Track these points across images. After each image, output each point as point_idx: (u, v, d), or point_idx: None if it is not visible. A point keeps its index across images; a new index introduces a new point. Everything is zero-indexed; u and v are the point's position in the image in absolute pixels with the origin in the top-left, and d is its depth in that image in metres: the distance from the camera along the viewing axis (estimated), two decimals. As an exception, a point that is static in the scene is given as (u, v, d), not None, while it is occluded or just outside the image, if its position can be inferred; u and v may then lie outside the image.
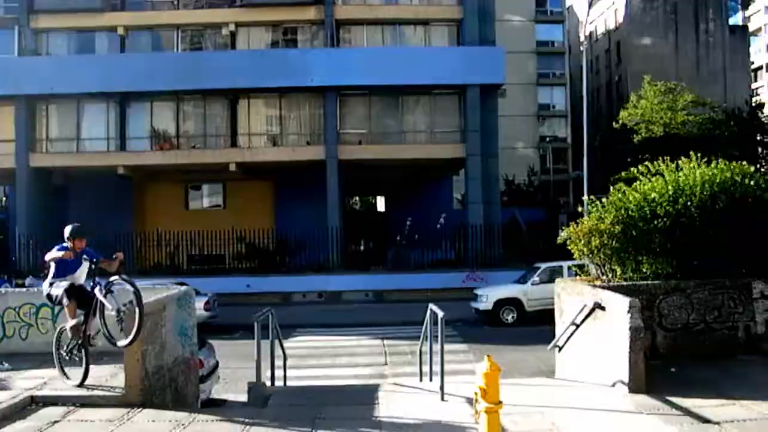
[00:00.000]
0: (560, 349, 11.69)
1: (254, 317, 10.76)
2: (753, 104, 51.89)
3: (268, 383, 11.67)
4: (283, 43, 39.98)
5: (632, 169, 12.74)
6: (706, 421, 8.04)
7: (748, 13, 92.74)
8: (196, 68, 36.07)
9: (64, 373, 9.63)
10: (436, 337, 10.43)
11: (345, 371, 17.10)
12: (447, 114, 38.75)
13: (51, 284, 9.61)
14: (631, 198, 11.76)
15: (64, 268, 9.59)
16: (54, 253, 9.44)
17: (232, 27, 38.74)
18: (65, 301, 9.43)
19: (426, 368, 11.79)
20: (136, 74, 35.31)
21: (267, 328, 11.71)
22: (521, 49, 66.13)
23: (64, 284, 9.49)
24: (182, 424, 8.27)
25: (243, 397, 10.97)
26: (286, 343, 15.58)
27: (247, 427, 8.29)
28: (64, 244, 9.58)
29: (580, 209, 13.48)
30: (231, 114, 38.55)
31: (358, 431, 8.20)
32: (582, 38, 39.81)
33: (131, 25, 38.97)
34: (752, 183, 11.51)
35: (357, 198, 53.61)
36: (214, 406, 11.04)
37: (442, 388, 9.85)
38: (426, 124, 38.82)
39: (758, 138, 46.06)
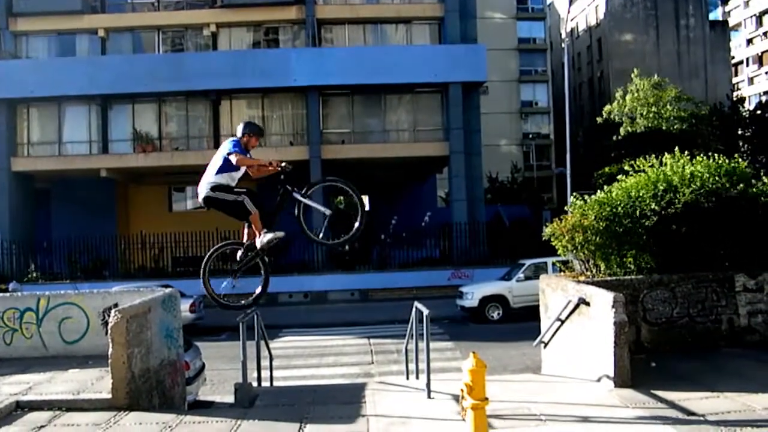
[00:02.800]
0: (546, 345, 11.74)
1: (239, 318, 10.75)
2: (734, 99, 52.22)
3: (255, 384, 11.66)
4: (264, 44, 39.90)
5: (615, 165, 12.82)
6: (691, 413, 8.09)
7: (727, 8, 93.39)
8: (177, 70, 35.92)
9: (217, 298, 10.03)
10: (422, 335, 10.45)
11: (332, 371, 17.11)
12: (430, 112, 38.78)
13: (214, 185, 9.40)
14: (615, 194, 11.81)
15: (230, 167, 9.38)
16: (234, 151, 9.21)
17: (213, 28, 38.63)
18: (251, 209, 9.39)
19: (412, 366, 11.82)
20: (117, 76, 35.13)
21: (253, 329, 11.70)
22: (503, 46, 66.31)
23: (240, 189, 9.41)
24: (169, 426, 8.26)
25: (230, 399, 10.96)
26: (273, 344, 15.59)
27: (234, 427, 8.28)
28: (235, 139, 9.44)
29: (565, 206, 13.51)
30: (213, 115, 38.37)
31: (345, 429, 8.21)
32: (563, 35, 39.98)
33: (112, 27, 38.76)
34: (738, 183, 11.61)
35: (341, 197, 53.50)
36: (200, 407, 11.02)
37: (428, 385, 9.87)
38: (409, 123, 38.83)
39: (739, 132, 46.34)
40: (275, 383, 13.01)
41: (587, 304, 10.14)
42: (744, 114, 49.21)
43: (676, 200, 11.11)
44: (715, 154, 12.27)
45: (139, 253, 36.39)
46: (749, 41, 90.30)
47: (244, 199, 9.37)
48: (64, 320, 11.51)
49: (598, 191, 12.24)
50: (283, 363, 16.80)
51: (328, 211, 9.66)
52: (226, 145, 9.38)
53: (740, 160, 12.32)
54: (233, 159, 9.17)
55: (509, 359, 16.39)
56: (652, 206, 11.26)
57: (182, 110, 38.81)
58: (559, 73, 63.04)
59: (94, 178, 36.42)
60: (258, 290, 9.96)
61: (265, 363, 12.56)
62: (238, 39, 39.54)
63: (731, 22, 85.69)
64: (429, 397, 9.76)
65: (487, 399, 7.17)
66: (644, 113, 48.87)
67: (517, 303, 24.47)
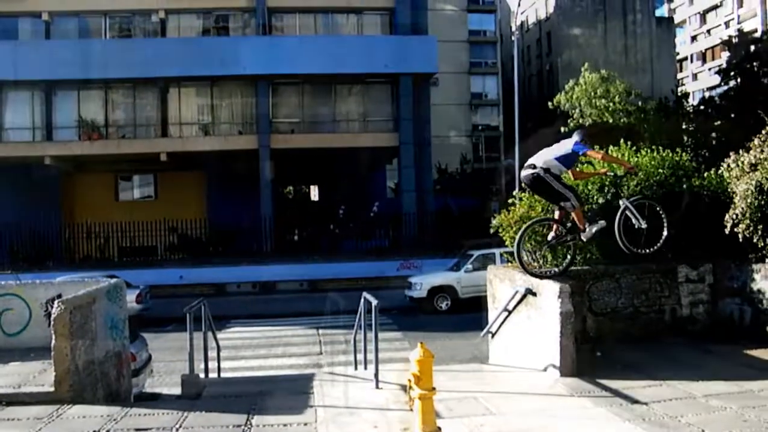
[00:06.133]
0: (493, 335, 11.81)
1: (186, 309, 10.63)
2: (678, 94, 53.06)
3: (202, 375, 11.56)
4: (214, 31, 39.55)
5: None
6: (635, 401, 8.23)
7: (673, 5, 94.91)
8: (124, 56, 35.39)
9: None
10: (371, 325, 10.46)
11: (280, 361, 17.05)
12: (380, 103, 38.82)
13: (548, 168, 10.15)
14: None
15: (567, 164, 10.30)
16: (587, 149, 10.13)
17: (161, 14, 38.11)
18: (576, 204, 10.22)
19: (361, 356, 11.81)
20: (62, 62, 34.47)
21: (200, 320, 11.58)
22: (454, 38, 66.50)
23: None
24: (114, 419, 8.13)
25: (177, 390, 10.84)
26: (221, 335, 15.46)
27: (181, 419, 8.20)
28: (578, 141, 10.21)
29: (513, 198, 13.62)
30: (161, 103, 37.94)
31: (294, 420, 8.18)
32: (513, 28, 40.24)
33: (56, 10, 37.89)
34: (679, 175, 11.80)
35: (290, 187, 53.30)
36: (147, 399, 10.88)
37: (376, 375, 9.88)
38: (359, 113, 38.85)
39: (683, 127, 47.09)
40: (223, 374, 12.89)
41: (534, 294, 10.23)
42: (688, 109, 50.05)
43: (621, 193, 11.25)
44: (660, 147, 12.45)
45: (84, 243, 35.86)
46: (693, 38, 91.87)
47: (571, 196, 10.22)
48: (4, 312, 11.24)
49: None
50: (231, 354, 16.69)
51: (644, 224, 10.32)
52: (571, 141, 10.30)
53: (683, 153, 12.53)
54: (597, 155, 10.34)
55: (457, 349, 16.48)
56: (598, 199, 11.39)
57: (129, 97, 38.29)
58: (509, 66, 63.48)
59: (38, 166, 35.70)
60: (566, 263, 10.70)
61: (212, 354, 12.44)
62: (188, 26, 39.07)
63: (676, 19, 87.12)
64: (377, 387, 9.77)
65: (434, 389, 7.19)
66: (593, 105, 49.42)
67: (466, 293, 24.60)
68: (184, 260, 35.31)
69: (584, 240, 10.44)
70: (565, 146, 10.23)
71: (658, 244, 10.36)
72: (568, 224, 10.51)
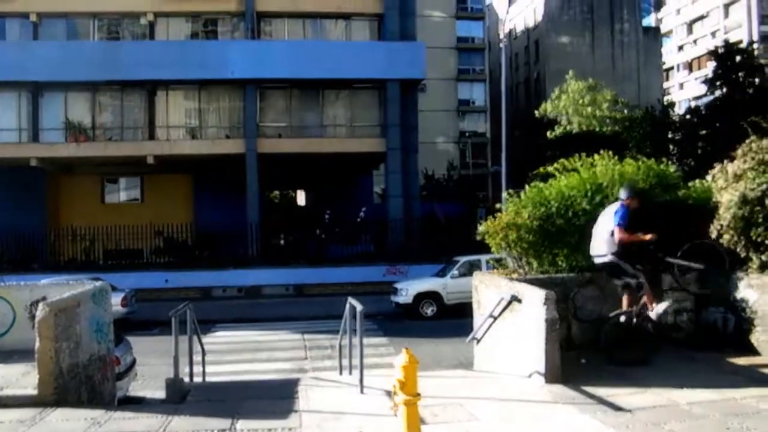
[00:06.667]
0: (478, 341, 11.83)
1: (172, 312, 10.60)
2: (665, 103, 53.46)
3: (187, 379, 11.52)
4: (203, 35, 39.44)
5: (549, 166, 12.96)
6: (619, 408, 8.25)
7: (660, 15, 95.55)
8: (113, 58, 35.25)
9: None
10: (356, 330, 10.46)
11: (265, 366, 17.02)
12: (368, 108, 38.86)
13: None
14: (548, 194, 11.97)
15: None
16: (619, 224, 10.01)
17: (150, 17, 37.97)
18: (646, 288, 10.22)
19: (346, 362, 11.81)
20: (49, 63, 34.32)
21: (185, 324, 11.54)
22: (442, 44, 66.80)
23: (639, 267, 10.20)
24: (98, 423, 8.10)
25: (161, 394, 10.79)
26: (206, 339, 15.43)
27: (165, 423, 8.18)
28: (623, 204, 10.24)
29: (498, 205, 13.65)
30: (149, 106, 37.86)
31: (278, 425, 8.17)
32: (501, 35, 40.39)
33: (44, 11, 37.68)
34: (663, 185, 11.88)
35: (277, 192, 53.28)
36: (131, 403, 10.84)
37: (361, 381, 9.87)
38: (346, 118, 38.87)
39: (669, 136, 47.41)
40: (207, 379, 12.87)
41: (519, 301, 10.25)
42: (674, 118, 50.41)
43: (607, 201, 11.31)
44: (644, 157, 12.54)
45: (69, 245, 35.72)
46: (680, 48, 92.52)
47: (643, 281, 10.17)
48: (-11, 313, 11.19)
49: (528, 188, 12.41)
50: (215, 358, 16.65)
51: (701, 266, 10.58)
52: (612, 211, 10.27)
53: (669, 162, 12.62)
54: (617, 235, 10.03)
55: (442, 355, 16.50)
56: (584, 206, 11.45)
57: (117, 100, 38.16)
58: (497, 73, 63.67)
59: (24, 168, 35.53)
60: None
61: (197, 358, 12.41)
62: (176, 29, 38.97)
63: (663, 29, 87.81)
64: (362, 392, 9.76)
65: (419, 395, 7.20)
66: (580, 113, 49.73)
67: (451, 300, 24.66)
68: (170, 264, 35.18)
69: (653, 320, 10.22)
70: (612, 216, 10.19)
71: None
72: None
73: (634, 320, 10.35)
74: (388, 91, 36.88)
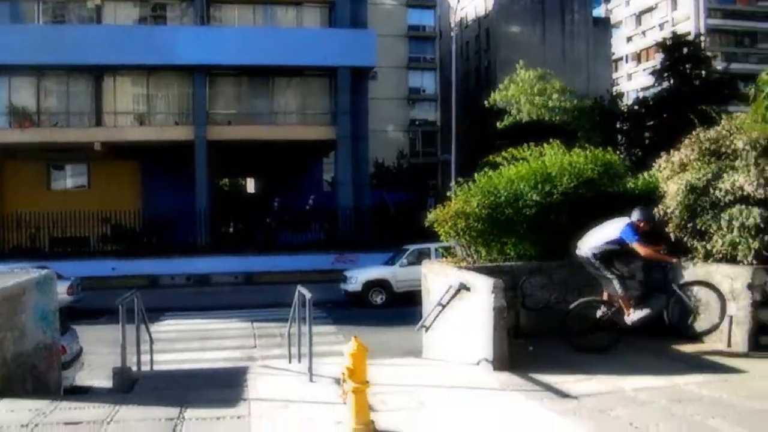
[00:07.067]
0: (427, 329, 11.88)
1: (119, 300, 10.46)
2: (613, 94, 54.15)
3: (134, 368, 11.40)
4: (151, 20, 38.82)
5: (498, 153, 13.04)
6: (566, 395, 8.36)
7: (609, 6, 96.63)
8: (59, 42, 34.44)
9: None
10: (305, 318, 10.45)
11: (214, 354, 16.91)
12: (318, 96, 38.73)
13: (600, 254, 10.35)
14: (497, 182, 12.06)
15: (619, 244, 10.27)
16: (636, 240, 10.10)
17: (97, 0, 37.20)
18: (621, 291, 10.32)
19: (295, 350, 11.78)
20: (-9, 46, 33.48)
21: (133, 312, 11.41)
22: (393, 32, 66.70)
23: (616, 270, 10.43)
24: (43, 413, 7.97)
25: (108, 383, 10.65)
26: (154, 327, 15.26)
27: (112, 413, 8.08)
28: (632, 222, 10.25)
29: (448, 194, 13.72)
30: (96, 91, 37.15)
31: (227, 413, 8.13)
32: (452, 24, 40.50)
33: (-13, -6, 36.80)
34: (611, 174, 12.06)
35: (227, 179, 52.88)
36: (78, 393, 10.70)
37: (310, 369, 9.86)
38: (297, 106, 38.72)
39: (618, 126, 48.08)
40: (156, 367, 12.74)
41: (468, 289, 10.31)
42: (622, 109, 51.12)
43: (555, 191, 11.43)
44: (593, 147, 12.69)
45: (14, 233, 34.92)
46: (629, 39, 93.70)
47: (615, 280, 10.31)
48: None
49: (477, 177, 12.48)
50: (164, 347, 16.48)
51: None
52: (622, 224, 10.27)
53: (616, 153, 12.80)
54: (641, 251, 10.11)
55: (391, 343, 16.52)
56: (533, 196, 11.55)
57: (63, 85, 37.39)
58: (448, 62, 63.91)
59: (-35, 154, 34.74)
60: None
61: (145, 347, 12.27)
62: (124, 14, 38.28)
63: (613, 20, 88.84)
64: (311, 380, 9.75)
65: (367, 382, 7.21)
66: (530, 103, 50.18)
67: (401, 288, 24.71)
68: (117, 252, 34.74)
69: (628, 324, 10.39)
70: (617, 228, 10.25)
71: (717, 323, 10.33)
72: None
73: (608, 315, 10.55)
74: (338, 78, 36.76)
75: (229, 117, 37.78)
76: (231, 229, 40.67)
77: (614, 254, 10.32)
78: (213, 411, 8.19)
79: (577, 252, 10.59)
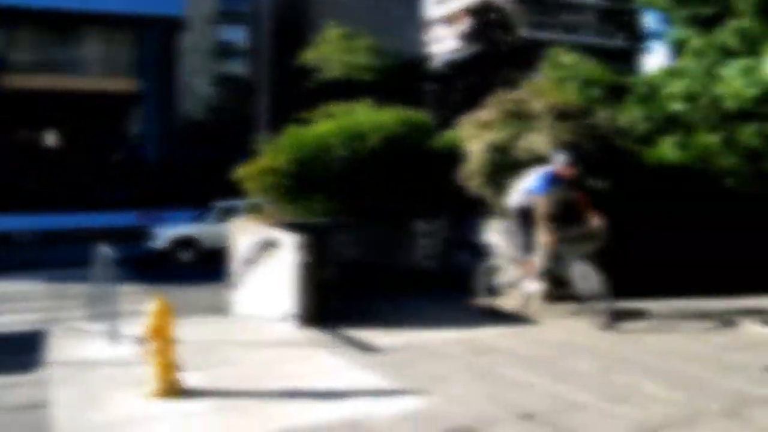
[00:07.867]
0: (236, 286, 11.82)
1: None
2: (425, 55, 55.39)
3: None
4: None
5: (311, 112, 13.05)
6: (372, 349, 8.56)
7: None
8: None
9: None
10: (108, 277, 10.12)
11: (11, 318, 16.01)
12: (124, 46, 37.43)
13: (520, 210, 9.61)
14: (306, 139, 12.06)
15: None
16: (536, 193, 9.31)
17: None
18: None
19: (98, 311, 11.41)
20: None
21: None
22: (203, -17, 64.88)
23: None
24: None
25: None
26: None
27: None
28: (549, 172, 9.40)
29: (255, 148, 13.62)
30: None
31: (24, 379, 7.78)
32: (264, -23, 39.94)
33: None
34: (419, 133, 12.33)
35: (26, 132, 50.03)
36: None
37: (113, 329, 9.60)
38: (101, 56, 37.08)
39: (427, 88, 49.35)
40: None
41: (275, 246, 10.32)
42: (433, 70, 52.49)
43: (363, 148, 11.57)
44: (402, 106, 12.93)
45: None
46: (440, 1, 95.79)
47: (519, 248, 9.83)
48: None
49: (286, 133, 12.46)
50: (-48, 310, 15.53)
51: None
52: (536, 175, 9.54)
53: (425, 112, 13.11)
54: (540, 207, 9.26)
55: (200, 301, 16.26)
56: (342, 153, 11.64)
57: None
58: (260, 16, 63.07)
59: None
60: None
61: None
62: None
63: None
64: (115, 341, 9.50)
65: (171, 341, 7.10)
66: (340, 61, 50.41)
67: (209, 245, 24.32)
68: None
69: (524, 290, 10.04)
70: (538, 175, 9.48)
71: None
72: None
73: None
74: (146, 29, 35.51)
75: (28, 65, 35.67)
76: (30, 185, 38.60)
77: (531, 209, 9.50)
78: (9, 378, 7.88)
79: (509, 204, 10.02)
